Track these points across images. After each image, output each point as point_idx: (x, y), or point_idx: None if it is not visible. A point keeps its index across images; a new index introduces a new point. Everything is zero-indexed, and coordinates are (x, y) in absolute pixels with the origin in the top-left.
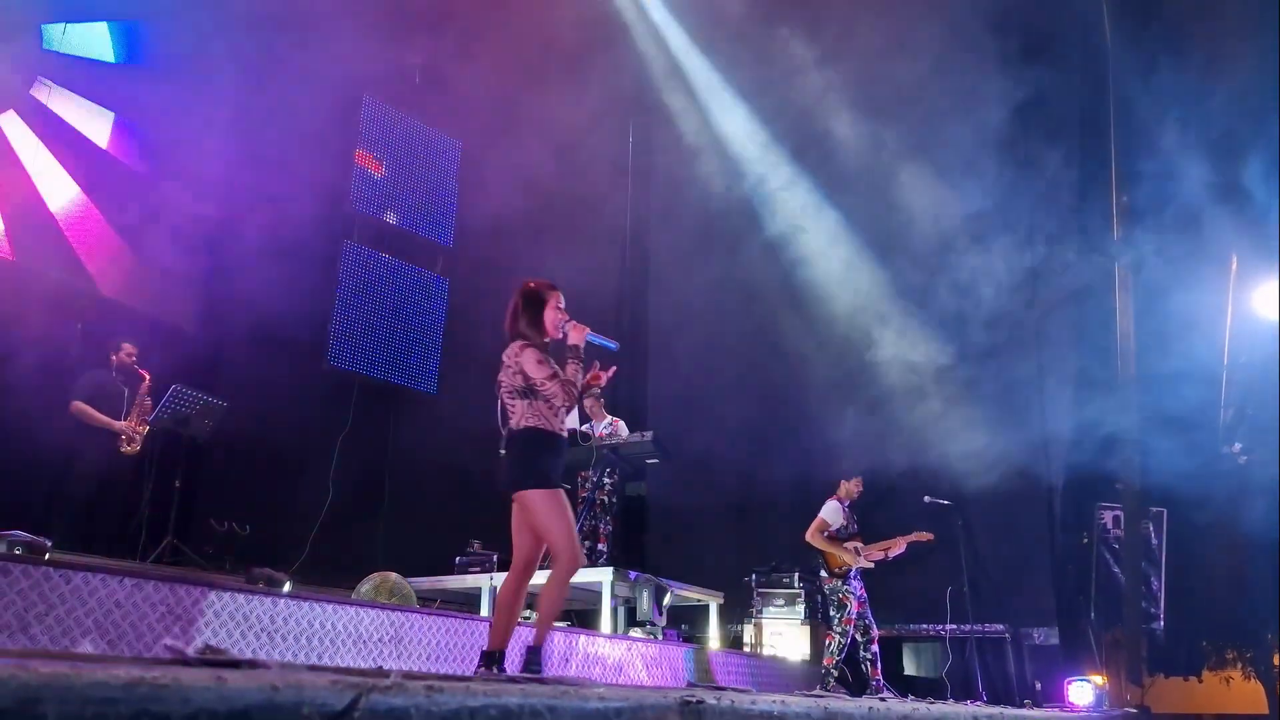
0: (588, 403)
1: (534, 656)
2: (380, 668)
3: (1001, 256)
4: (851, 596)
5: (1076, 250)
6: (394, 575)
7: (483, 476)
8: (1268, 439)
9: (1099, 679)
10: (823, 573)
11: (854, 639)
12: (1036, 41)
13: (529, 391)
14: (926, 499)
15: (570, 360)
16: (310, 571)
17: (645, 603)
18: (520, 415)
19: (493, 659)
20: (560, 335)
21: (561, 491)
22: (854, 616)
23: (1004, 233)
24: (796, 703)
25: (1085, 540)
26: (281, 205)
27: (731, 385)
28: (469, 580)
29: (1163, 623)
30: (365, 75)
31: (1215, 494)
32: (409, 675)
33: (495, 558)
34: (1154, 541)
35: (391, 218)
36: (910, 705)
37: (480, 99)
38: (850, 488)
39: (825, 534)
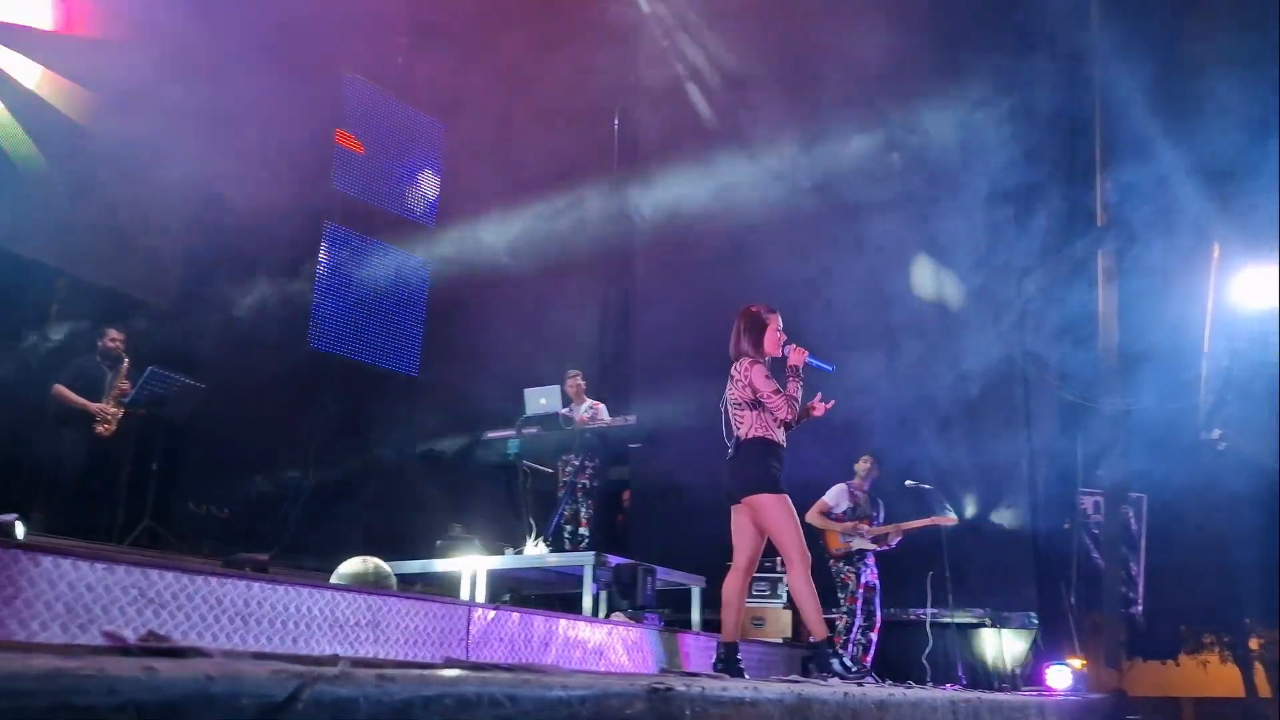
0: (570, 386)
1: (831, 649)
2: (334, 655)
3: (985, 242)
4: (853, 576)
5: (1061, 237)
6: (374, 559)
7: (464, 459)
8: (1247, 426)
9: (1078, 663)
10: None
11: (858, 621)
12: (1024, 32)
13: (757, 404)
14: (909, 483)
15: (791, 379)
16: (290, 555)
17: (640, 588)
18: (749, 426)
19: (733, 651)
20: (781, 355)
21: (788, 496)
22: (857, 596)
23: (988, 219)
24: (769, 688)
25: (1066, 526)
26: (261, 184)
27: (719, 366)
28: (450, 564)
29: (1141, 607)
30: (346, 53)
31: (1195, 480)
32: (358, 663)
33: (476, 541)
34: (1134, 527)
35: (373, 198)
36: (887, 690)
37: (465, 79)
38: (862, 469)
39: (828, 515)
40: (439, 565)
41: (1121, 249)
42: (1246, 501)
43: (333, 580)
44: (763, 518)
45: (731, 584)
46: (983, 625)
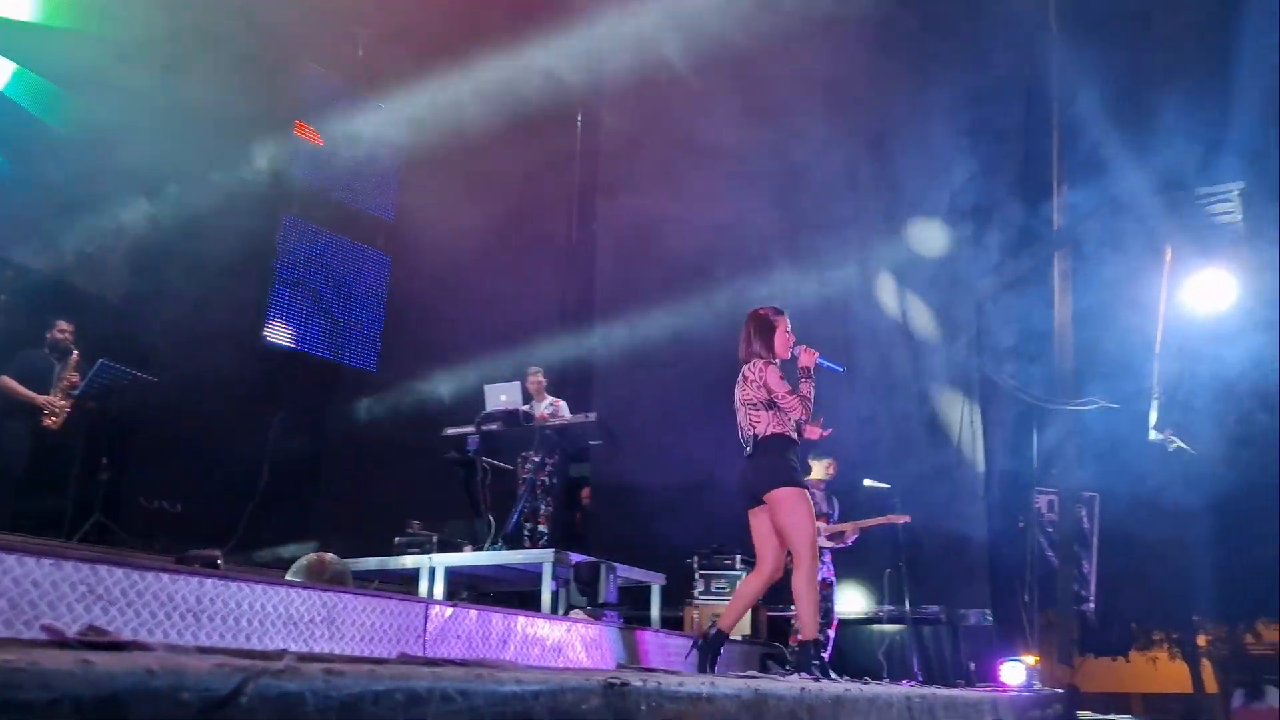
0: (530, 382)
1: (815, 650)
2: (284, 650)
3: (942, 242)
4: None
5: (1018, 243)
6: (329, 555)
7: (424, 456)
8: (1196, 427)
9: (1031, 659)
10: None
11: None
12: (983, 39)
13: (772, 404)
14: (867, 482)
15: (803, 380)
16: (244, 552)
17: (600, 585)
18: (766, 424)
19: (719, 639)
20: (790, 357)
21: (807, 492)
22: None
23: (948, 219)
24: (725, 683)
25: (1021, 525)
26: (217, 175)
27: (680, 365)
28: (408, 561)
29: (1093, 605)
30: (305, 43)
31: (1145, 480)
32: (306, 657)
33: (435, 538)
34: (1086, 526)
35: (332, 190)
36: (843, 686)
37: (425, 72)
38: (820, 469)
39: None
40: (396, 562)
41: (1077, 253)
42: (1196, 501)
43: (288, 577)
44: (780, 512)
45: (748, 582)
46: (939, 622)
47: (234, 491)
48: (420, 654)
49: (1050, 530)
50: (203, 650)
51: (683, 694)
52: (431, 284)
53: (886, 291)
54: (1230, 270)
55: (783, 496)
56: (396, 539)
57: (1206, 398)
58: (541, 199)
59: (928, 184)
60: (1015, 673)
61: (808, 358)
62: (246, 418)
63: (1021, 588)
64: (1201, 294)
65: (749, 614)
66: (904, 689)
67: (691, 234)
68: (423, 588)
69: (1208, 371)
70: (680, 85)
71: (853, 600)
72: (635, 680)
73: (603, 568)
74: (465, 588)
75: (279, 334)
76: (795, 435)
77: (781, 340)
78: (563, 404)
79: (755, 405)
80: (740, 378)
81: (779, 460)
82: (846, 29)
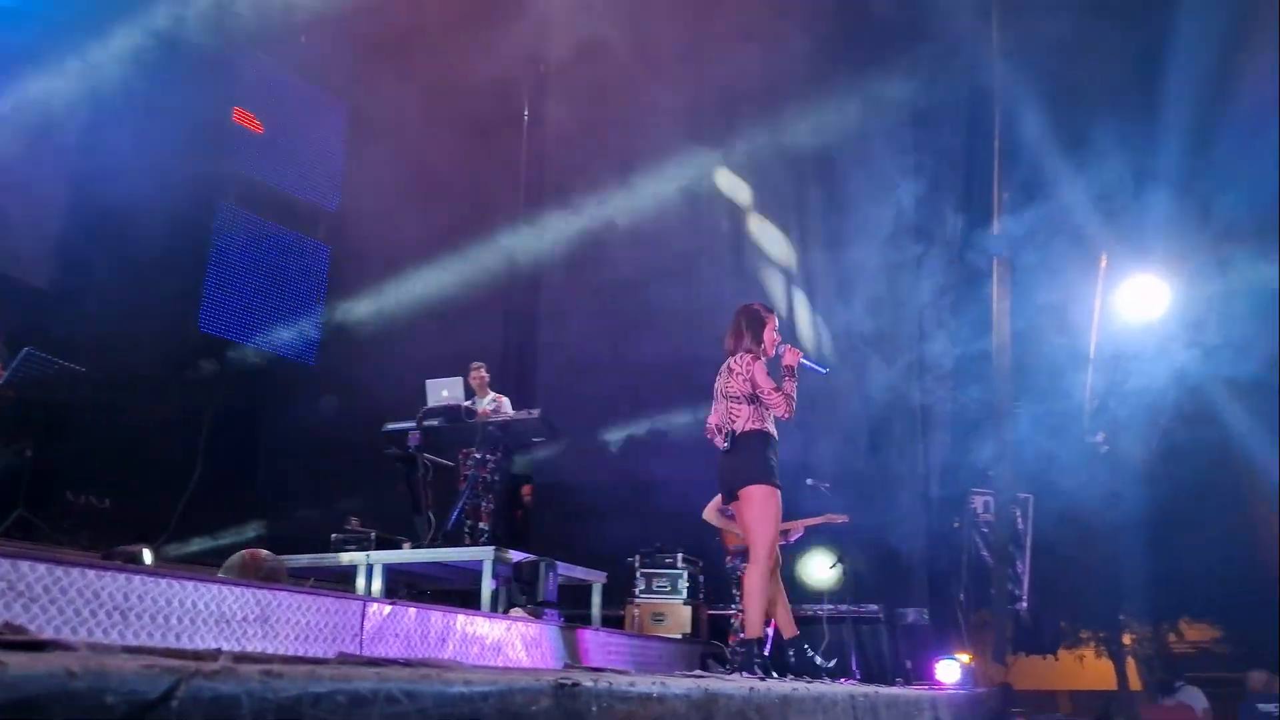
0: (473, 378)
1: (759, 649)
2: (216, 650)
3: (883, 250)
4: None
5: (959, 244)
6: (263, 552)
7: (362, 451)
8: (1128, 429)
9: (965, 657)
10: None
11: None
12: (924, 47)
13: (754, 398)
14: (809, 482)
15: (786, 378)
16: (176, 548)
17: (540, 584)
18: (746, 419)
19: (760, 645)
20: (775, 354)
21: (779, 492)
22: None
23: (888, 226)
24: (675, 683)
25: (957, 525)
26: (150, 160)
27: (625, 362)
28: (345, 558)
29: (1026, 604)
30: (246, 28)
31: (1078, 481)
32: (241, 657)
33: (373, 535)
34: (1020, 526)
35: (271, 178)
36: (790, 686)
37: (369, 60)
38: None
39: (725, 512)
40: (333, 559)
41: (1015, 258)
42: (1126, 502)
43: (220, 574)
44: (748, 507)
45: (750, 579)
46: (878, 621)
47: (165, 486)
48: (358, 653)
49: (985, 531)
50: (129, 650)
51: (633, 694)
52: (374, 277)
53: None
54: (1163, 276)
55: (753, 493)
56: (333, 535)
57: (1138, 402)
58: (488, 193)
59: (870, 204)
60: (950, 671)
61: (792, 356)
62: (179, 410)
63: (957, 587)
64: (1135, 300)
65: (690, 612)
66: (848, 688)
67: (632, 242)
68: (360, 585)
69: (1140, 376)
70: (623, 91)
71: (791, 598)
72: (586, 680)
73: (543, 566)
74: (404, 586)
75: (214, 325)
76: (774, 432)
77: (770, 337)
78: (505, 400)
79: (737, 399)
80: (725, 369)
81: (755, 456)
82: (788, 44)
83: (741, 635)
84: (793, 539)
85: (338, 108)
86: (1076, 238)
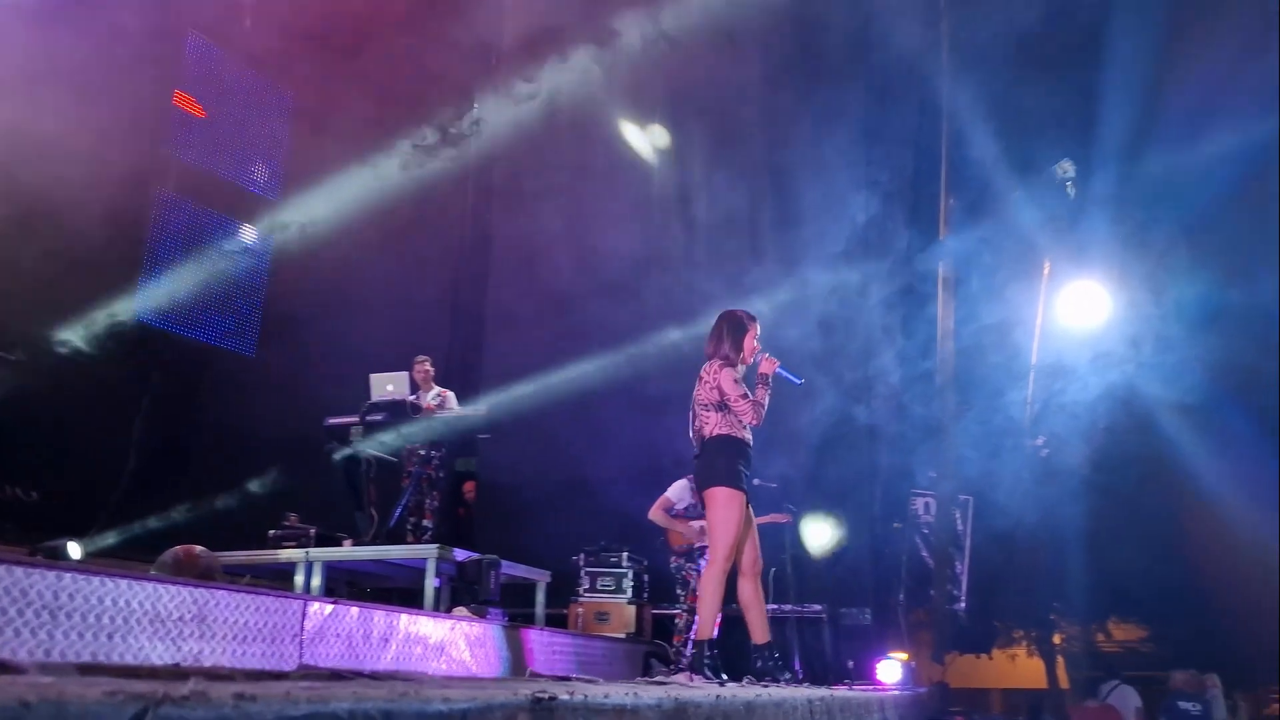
0: (417, 372)
1: (704, 649)
2: (177, 665)
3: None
4: (695, 574)
5: (905, 250)
6: (198, 548)
7: (303, 445)
8: (1068, 433)
9: (903, 656)
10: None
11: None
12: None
13: (723, 406)
14: (756, 482)
15: (760, 386)
16: (107, 544)
17: (484, 582)
18: (714, 425)
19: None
20: (752, 363)
21: (743, 496)
22: (698, 593)
23: (838, 233)
24: (647, 694)
25: (897, 525)
26: (85, 142)
27: (573, 359)
28: (283, 555)
29: (964, 604)
30: (190, 9)
31: (1017, 484)
32: (212, 675)
33: (313, 532)
34: (960, 527)
35: (212, 166)
36: (754, 692)
37: (315, 47)
38: None
39: (670, 512)
40: (272, 556)
41: (960, 264)
42: (1062, 505)
43: (153, 571)
44: (710, 509)
45: (740, 589)
46: (820, 620)
47: (97, 479)
48: (297, 654)
49: (926, 532)
50: (86, 670)
51: (608, 706)
52: (317, 268)
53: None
54: (1104, 284)
55: (714, 495)
56: (271, 532)
57: (1077, 410)
58: (437, 186)
59: (821, 223)
60: (892, 671)
61: (768, 365)
62: (112, 401)
63: (898, 587)
64: (1076, 308)
65: (634, 611)
66: (806, 693)
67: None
68: (299, 583)
69: (1079, 385)
70: (573, 95)
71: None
72: (562, 693)
73: (485, 564)
74: (344, 584)
75: (151, 314)
76: (747, 438)
77: (750, 344)
78: (450, 395)
79: (707, 406)
80: (698, 377)
81: (719, 460)
82: (741, 65)
83: (689, 636)
84: None
85: (283, 95)
86: (1021, 246)
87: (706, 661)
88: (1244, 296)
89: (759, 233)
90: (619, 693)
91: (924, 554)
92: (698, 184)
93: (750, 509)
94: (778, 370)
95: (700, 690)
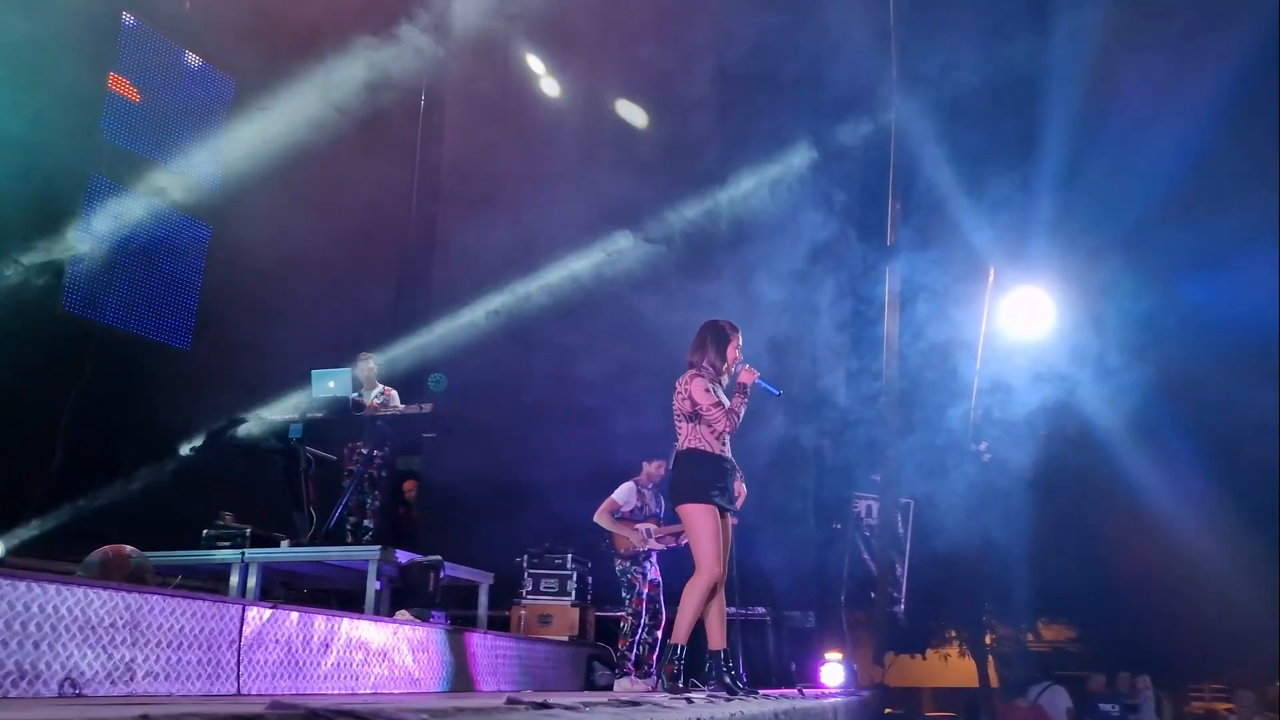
0: (361, 369)
1: (676, 653)
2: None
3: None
4: (641, 578)
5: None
6: (128, 548)
7: (239, 443)
8: (1009, 439)
9: (838, 656)
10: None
11: (643, 621)
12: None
13: (695, 416)
14: None
15: (738, 395)
16: (32, 544)
17: (427, 585)
18: (685, 437)
19: (717, 657)
20: (732, 373)
21: (715, 509)
22: (644, 598)
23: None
24: (629, 715)
25: (838, 526)
26: (16, 127)
27: (521, 360)
28: (218, 555)
29: (904, 606)
30: None
31: (958, 488)
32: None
33: (248, 531)
34: (900, 530)
35: (148, 151)
36: (735, 707)
37: (258, 34)
38: (652, 470)
39: (616, 515)
40: (206, 557)
41: (907, 271)
42: (1000, 510)
43: (79, 572)
44: (686, 526)
45: (690, 589)
46: (765, 623)
47: (21, 476)
48: (235, 661)
49: (868, 534)
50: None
51: None
52: (257, 261)
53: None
54: (1048, 291)
55: (684, 511)
56: (205, 531)
57: (1018, 416)
58: (380, 171)
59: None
60: (835, 674)
61: (747, 376)
62: (39, 394)
63: (839, 590)
64: (1020, 314)
65: (577, 614)
66: (772, 703)
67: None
68: (234, 584)
69: (1021, 392)
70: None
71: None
72: None
73: (430, 567)
74: (280, 585)
75: (80, 304)
76: (718, 449)
77: (732, 355)
78: (394, 393)
79: (680, 417)
80: (674, 391)
81: (685, 476)
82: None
83: (633, 639)
84: (682, 541)
85: (224, 82)
86: (967, 253)
87: (727, 670)
88: (1178, 308)
89: (708, 246)
90: (605, 715)
91: (865, 556)
92: (644, 194)
93: (730, 519)
94: (756, 381)
95: (674, 707)
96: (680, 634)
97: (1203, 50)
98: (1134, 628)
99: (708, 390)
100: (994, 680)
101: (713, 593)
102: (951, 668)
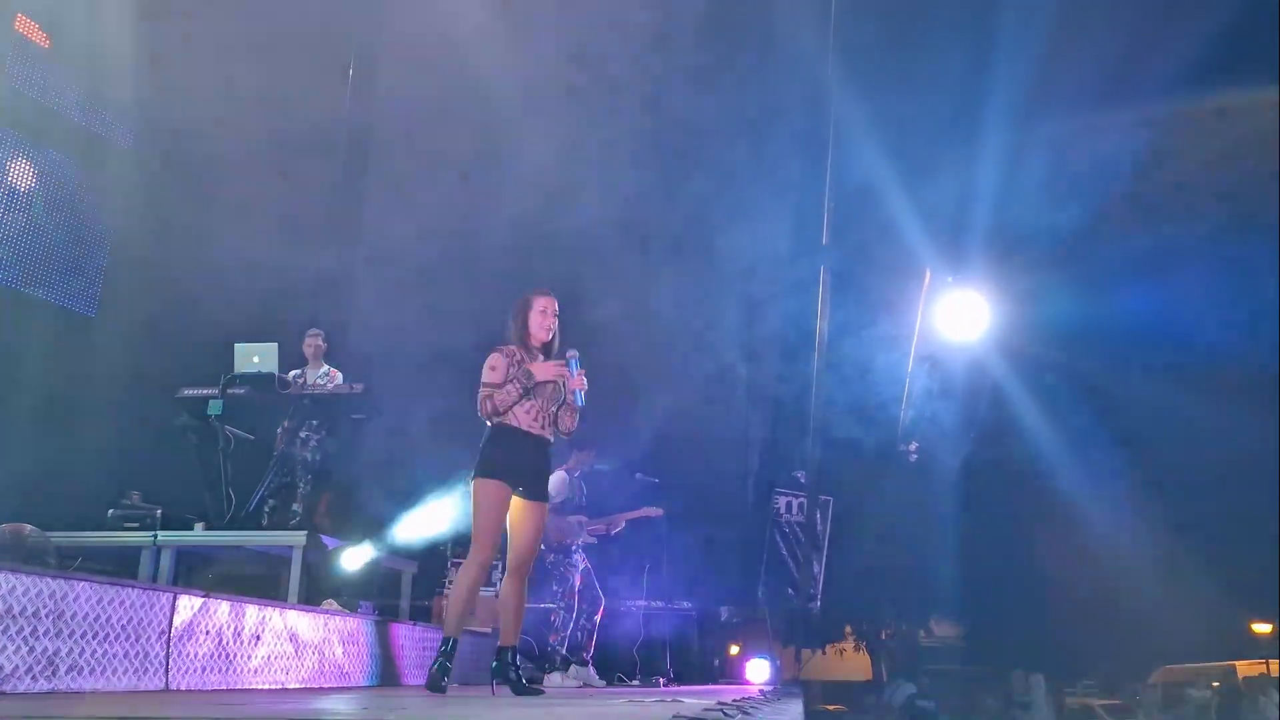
0: (307, 346)
1: (446, 647)
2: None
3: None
4: (573, 570)
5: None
6: (27, 527)
7: (150, 417)
8: (939, 440)
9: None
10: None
11: (578, 611)
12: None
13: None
14: (638, 475)
15: (519, 382)
16: None
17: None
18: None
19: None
20: (549, 339)
21: (494, 484)
22: (576, 590)
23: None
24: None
25: (762, 521)
26: None
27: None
28: (128, 538)
29: (819, 602)
30: None
31: (883, 487)
32: None
33: (159, 513)
34: (819, 527)
35: (56, 102)
36: (672, 712)
37: None
38: (583, 459)
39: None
40: (113, 538)
41: (841, 271)
42: (922, 508)
43: None
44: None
45: (503, 585)
46: (690, 618)
47: None
48: (164, 651)
49: (788, 530)
50: None
51: None
52: (175, 224)
53: None
54: (982, 294)
55: (472, 485)
56: (110, 511)
57: (947, 418)
58: (311, 130)
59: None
60: (760, 670)
61: (576, 383)
62: None
63: (758, 585)
64: (954, 315)
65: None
66: (723, 704)
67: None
68: (143, 568)
69: (952, 394)
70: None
71: (610, 595)
72: None
73: (363, 554)
74: (184, 569)
75: None
76: (514, 422)
77: (537, 321)
78: (339, 375)
79: None
80: None
81: (481, 449)
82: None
83: (564, 634)
84: (614, 531)
85: (140, 28)
86: (903, 254)
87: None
88: (1106, 314)
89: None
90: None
91: (783, 553)
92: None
93: (528, 501)
94: (574, 392)
95: (619, 708)
96: (451, 627)
97: (1145, 54)
98: (1031, 626)
99: (493, 368)
100: (884, 675)
101: (515, 585)
102: (847, 661)
